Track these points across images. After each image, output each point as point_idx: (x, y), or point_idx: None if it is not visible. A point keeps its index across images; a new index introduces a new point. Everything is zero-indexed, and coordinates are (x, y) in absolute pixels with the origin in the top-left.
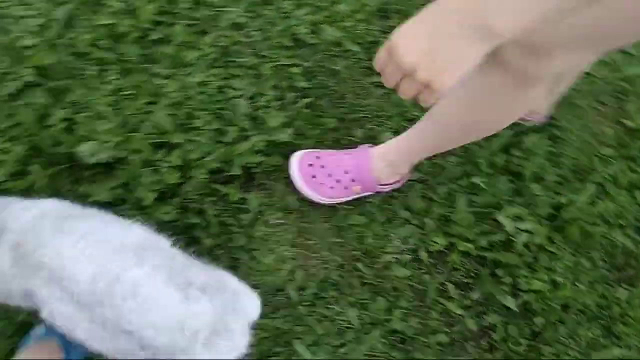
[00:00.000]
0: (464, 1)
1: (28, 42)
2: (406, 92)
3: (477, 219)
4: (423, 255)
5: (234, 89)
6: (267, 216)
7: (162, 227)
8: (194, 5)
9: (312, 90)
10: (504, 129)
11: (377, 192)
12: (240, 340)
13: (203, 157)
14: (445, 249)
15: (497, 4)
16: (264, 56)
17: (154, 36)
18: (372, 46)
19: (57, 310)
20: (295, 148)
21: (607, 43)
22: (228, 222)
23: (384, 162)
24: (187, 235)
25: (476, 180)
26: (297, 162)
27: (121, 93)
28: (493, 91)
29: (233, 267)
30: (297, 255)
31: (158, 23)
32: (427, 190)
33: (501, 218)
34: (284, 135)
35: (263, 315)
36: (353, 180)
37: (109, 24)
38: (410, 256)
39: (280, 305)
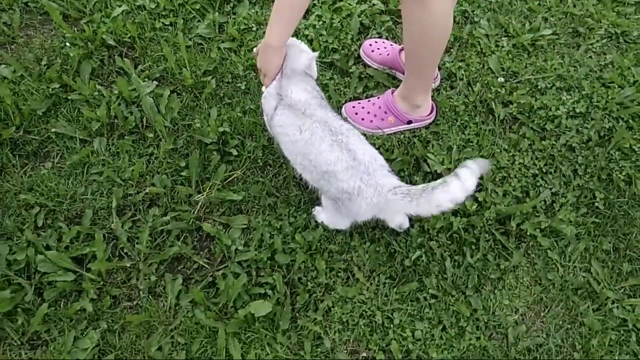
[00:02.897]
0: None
1: None
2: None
3: None
4: None
5: None
6: None
7: None
8: None
9: None
10: None
11: (409, 123)
12: None
13: None
14: None
15: (268, 33)
16: None
17: None
18: None
19: None
20: None
21: None
22: None
23: (400, 97)
24: None
25: None
26: (344, 109)
27: None
28: (410, 18)
29: None
30: None
31: None
32: None
33: None
34: None
35: None
36: (385, 112)
37: None
38: None
39: None
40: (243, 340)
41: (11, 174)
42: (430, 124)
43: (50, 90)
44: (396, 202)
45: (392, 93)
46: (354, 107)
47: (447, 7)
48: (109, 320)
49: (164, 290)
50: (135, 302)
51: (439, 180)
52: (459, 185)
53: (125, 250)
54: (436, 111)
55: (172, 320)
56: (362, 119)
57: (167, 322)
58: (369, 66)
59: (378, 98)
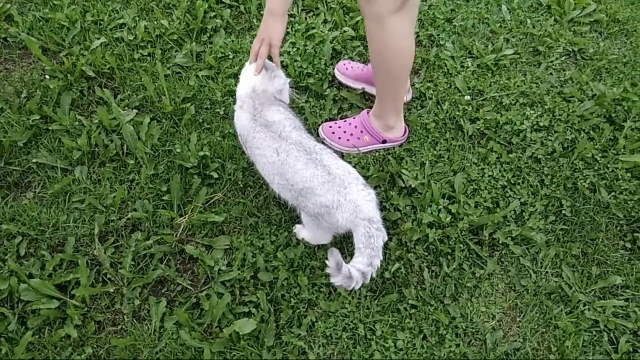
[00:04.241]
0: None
1: None
2: (262, 52)
3: None
4: None
5: None
6: None
7: None
8: None
9: None
10: None
11: (384, 142)
12: None
13: None
14: None
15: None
16: None
17: None
18: None
19: None
20: None
21: None
22: None
23: (375, 116)
24: None
25: None
26: (321, 129)
27: None
28: (371, 36)
29: None
30: None
31: None
32: None
33: None
34: None
35: None
36: (362, 132)
37: None
38: None
39: None
40: (229, 359)
41: None
42: (403, 142)
43: (30, 121)
44: (361, 232)
45: (367, 113)
46: (330, 127)
47: (404, 27)
48: (94, 345)
49: (148, 313)
50: (119, 327)
51: (365, 267)
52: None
53: (108, 276)
54: (408, 131)
55: (157, 342)
56: (339, 138)
57: (152, 344)
58: (344, 84)
59: (354, 118)
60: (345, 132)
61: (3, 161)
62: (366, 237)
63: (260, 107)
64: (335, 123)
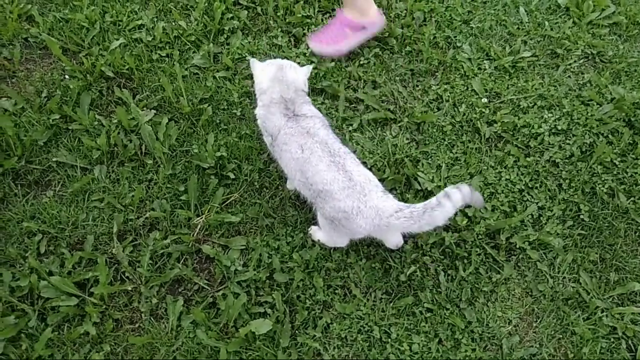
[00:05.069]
0: None
1: None
2: None
3: None
4: None
5: None
6: None
7: None
8: None
9: None
10: None
11: (364, 28)
12: None
13: None
14: None
15: None
16: None
17: None
18: None
19: None
20: None
21: None
22: None
23: (346, 8)
24: None
25: None
26: (311, 43)
27: None
28: None
29: None
30: None
31: None
32: None
33: None
34: None
35: None
36: (343, 28)
37: None
38: None
39: None
40: (244, 359)
41: (14, 202)
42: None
43: (51, 121)
44: (398, 225)
45: (341, 11)
46: (317, 36)
47: None
48: (112, 343)
49: (166, 312)
50: (137, 325)
51: (434, 201)
52: (450, 205)
53: (126, 274)
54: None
55: (174, 341)
56: (328, 43)
57: (169, 343)
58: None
59: (330, 20)
60: (330, 34)
61: (24, 160)
62: (409, 219)
63: (293, 106)
64: (320, 32)
